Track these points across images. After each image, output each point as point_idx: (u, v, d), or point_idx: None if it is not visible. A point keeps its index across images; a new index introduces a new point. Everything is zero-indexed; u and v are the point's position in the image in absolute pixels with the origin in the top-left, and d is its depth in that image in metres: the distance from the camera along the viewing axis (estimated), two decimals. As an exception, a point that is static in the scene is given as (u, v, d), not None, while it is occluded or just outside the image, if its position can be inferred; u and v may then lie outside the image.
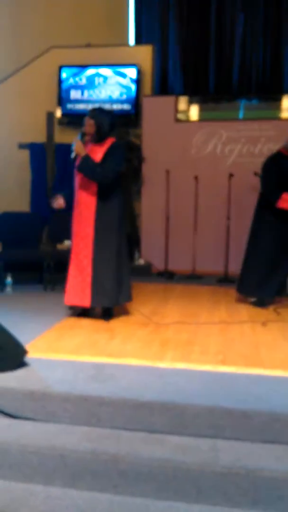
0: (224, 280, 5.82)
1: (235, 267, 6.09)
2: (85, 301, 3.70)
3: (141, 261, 6.41)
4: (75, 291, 3.71)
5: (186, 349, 3.16)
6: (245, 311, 4.31)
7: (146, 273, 6.20)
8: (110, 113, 3.90)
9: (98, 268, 3.66)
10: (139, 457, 2.13)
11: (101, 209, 3.67)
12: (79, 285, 3.69)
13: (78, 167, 3.60)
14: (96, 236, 3.66)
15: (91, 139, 3.67)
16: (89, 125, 3.62)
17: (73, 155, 3.59)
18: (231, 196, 6.00)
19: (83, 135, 3.64)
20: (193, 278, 6.02)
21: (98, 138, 3.66)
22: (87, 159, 3.56)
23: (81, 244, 3.71)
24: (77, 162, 3.61)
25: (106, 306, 3.82)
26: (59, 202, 3.77)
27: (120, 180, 3.82)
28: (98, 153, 3.61)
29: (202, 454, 2.16)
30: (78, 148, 3.56)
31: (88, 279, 3.67)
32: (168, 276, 6.08)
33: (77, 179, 3.72)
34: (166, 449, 2.19)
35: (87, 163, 3.56)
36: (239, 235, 6.24)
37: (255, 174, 5.97)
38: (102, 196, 3.67)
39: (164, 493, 2.09)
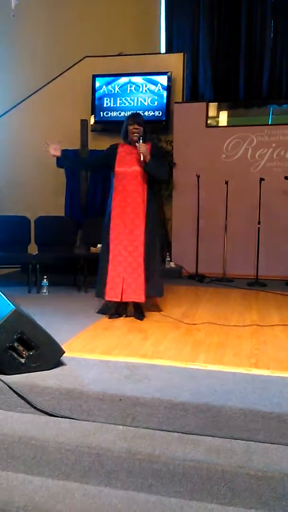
0: (254, 283, 5.79)
1: (266, 270, 6.08)
2: (141, 297, 3.86)
3: (172, 264, 6.44)
4: (130, 289, 3.85)
5: (218, 351, 3.17)
6: (276, 314, 4.29)
7: (177, 276, 6.25)
8: None
9: (151, 264, 3.89)
10: (174, 458, 2.14)
11: (151, 210, 3.91)
12: (133, 282, 3.85)
13: (146, 168, 3.79)
14: (147, 234, 3.85)
15: (138, 139, 3.83)
16: (139, 131, 3.84)
17: (142, 158, 3.75)
18: (261, 200, 5.97)
19: (140, 139, 3.80)
20: (224, 281, 6.01)
21: (143, 140, 3.85)
22: (151, 161, 3.80)
23: (132, 245, 3.86)
24: (142, 165, 3.79)
25: (157, 296, 4.09)
26: (55, 148, 3.93)
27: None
28: None
29: (236, 457, 2.15)
30: (145, 152, 3.76)
31: (142, 276, 3.84)
32: (198, 279, 6.09)
33: (124, 183, 3.86)
34: (200, 450, 2.19)
35: (154, 164, 3.81)
36: (270, 239, 6.22)
37: (286, 178, 5.95)
38: (152, 197, 3.93)
39: (199, 494, 2.09)
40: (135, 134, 3.82)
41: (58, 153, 3.96)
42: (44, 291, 4.99)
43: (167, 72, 6.79)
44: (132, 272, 3.85)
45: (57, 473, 2.22)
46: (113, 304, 4.03)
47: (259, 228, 5.95)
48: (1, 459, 2.28)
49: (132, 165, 3.85)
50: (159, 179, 3.98)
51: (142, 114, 6.46)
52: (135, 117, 3.92)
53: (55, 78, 7.19)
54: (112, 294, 3.88)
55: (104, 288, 3.90)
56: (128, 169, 3.85)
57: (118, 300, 3.90)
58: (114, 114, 6.90)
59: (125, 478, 2.16)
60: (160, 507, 2.04)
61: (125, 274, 3.86)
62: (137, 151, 3.79)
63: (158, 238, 4.00)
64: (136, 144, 3.79)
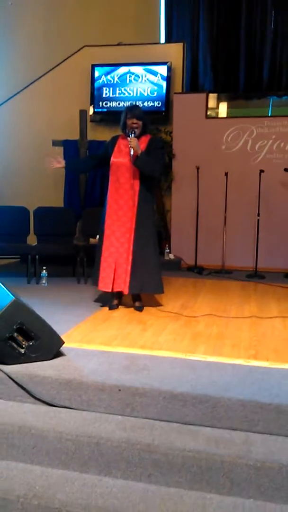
0: (253, 275, 5.80)
1: (265, 262, 6.09)
2: (125, 289, 3.84)
3: (171, 256, 6.45)
4: (120, 279, 3.85)
5: (217, 343, 3.18)
6: (275, 306, 4.30)
7: (176, 268, 6.25)
8: None
9: (138, 258, 3.82)
10: (173, 448, 2.15)
11: (143, 203, 3.85)
12: (123, 273, 3.84)
13: (136, 163, 3.74)
14: (138, 227, 3.82)
15: (131, 133, 3.79)
16: (138, 125, 3.79)
17: (132, 152, 3.72)
18: (261, 192, 5.97)
19: (132, 133, 3.76)
20: (223, 273, 6.02)
21: (142, 133, 3.83)
22: (143, 155, 3.75)
23: (124, 236, 3.85)
24: (132, 160, 3.75)
25: (140, 293, 4.00)
26: (59, 161, 3.99)
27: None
28: (141, 146, 3.80)
29: (235, 447, 2.16)
30: (136, 146, 3.71)
31: (129, 267, 3.80)
32: (197, 271, 6.09)
33: (118, 174, 3.84)
34: (199, 440, 2.21)
35: (144, 159, 3.75)
36: (269, 231, 6.22)
37: (286, 170, 5.94)
38: (144, 190, 3.85)
39: (198, 484, 2.11)
40: (134, 129, 3.78)
41: (63, 164, 4.00)
42: (43, 282, 4.99)
43: (167, 62, 6.74)
44: (122, 263, 3.85)
45: (57, 462, 2.23)
46: (111, 294, 4.03)
47: (258, 220, 5.95)
48: (1, 448, 2.29)
49: (127, 156, 3.82)
50: (148, 174, 3.82)
51: (141, 104, 6.57)
52: (133, 110, 3.85)
53: (54, 68, 7.13)
54: (103, 284, 3.89)
55: (97, 276, 3.92)
56: (123, 160, 3.83)
57: (109, 290, 3.90)
58: (114, 104, 6.86)
59: (124, 468, 2.17)
60: (159, 496, 2.05)
61: (115, 265, 3.87)
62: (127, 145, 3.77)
63: (152, 233, 3.93)
64: (128, 138, 3.77)
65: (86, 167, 4.47)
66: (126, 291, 3.85)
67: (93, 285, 4.09)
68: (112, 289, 3.89)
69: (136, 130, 3.78)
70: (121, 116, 3.91)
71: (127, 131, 3.85)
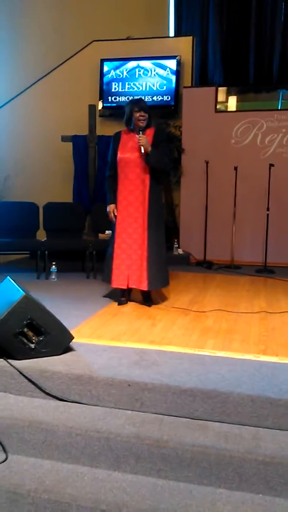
0: (263, 270, 5.78)
1: (274, 257, 6.06)
2: (143, 285, 3.83)
3: (180, 251, 6.44)
4: (135, 276, 3.85)
5: (227, 338, 3.18)
6: (285, 301, 4.28)
7: (185, 262, 6.24)
8: None
9: (152, 253, 3.81)
10: (182, 443, 2.16)
11: (153, 198, 3.83)
12: (138, 269, 3.84)
13: (147, 160, 3.71)
14: (150, 222, 3.81)
15: (139, 130, 3.76)
16: (145, 118, 3.76)
17: (142, 150, 3.69)
18: (271, 187, 5.93)
19: (141, 131, 3.73)
20: (232, 268, 6.00)
21: (145, 128, 3.80)
22: (153, 152, 3.72)
23: (136, 232, 3.84)
24: (143, 157, 3.72)
25: (158, 288, 4.03)
26: (114, 212, 3.92)
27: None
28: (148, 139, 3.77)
29: (244, 442, 2.17)
30: (146, 144, 3.69)
31: (145, 263, 3.80)
32: (206, 265, 6.08)
33: (126, 170, 3.82)
34: (208, 435, 2.21)
35: (155, 156, 3.72)
36: (279, 225, 6.19)
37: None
38: (154, 185, 3.83)
39: (207, 479, 2.12)
40: (141, 122, 3.74)
41: (115, 208, 3.92)
42: (53, 277, 5.01)
43: (176, 56, 6.70)
44: (137, 259, 3.85)
45: (67, 457, 2.25)
46: (121, 289, 4.04)
47: (268, 214, 5.91)
48: (12, 443, 2.31)
49: (134, 152, 3.78)
50: (160, 171, 3.82)
51: (150, 99, 6.54)
52: (140, 103, 3.80)
53: (63, 63, 7.12)
54: (118, 282, 3.90)
55: (110, 274, 3.91)
56: (131, 155, 3.79)
57: (125, 287, 3.91)
58: (123, 99, 6.83)
59: (134, 463, 2.18)
60: (169, 491, 2.07)
61: (129, 261, 3.86)
62: (137, 143, 3.73)
63: (161, 228, 3.93)
64: (136, 136, 3.73)
65: (115, 182, 4.05)
66: (145, 287, 3.83)
67: (104, 282, 4.08)
68: (128, 285, 3.89)
69: (143, 123, 3.74)
70: (125, 109, 3.86)
71: (132, 125, 3.82)
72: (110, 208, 3.92)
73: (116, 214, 3.89)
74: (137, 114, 3.75)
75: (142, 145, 3.68)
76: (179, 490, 2.08)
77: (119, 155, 3.84)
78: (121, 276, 3.88)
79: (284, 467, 2.06)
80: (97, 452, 2.22)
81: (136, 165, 3.79)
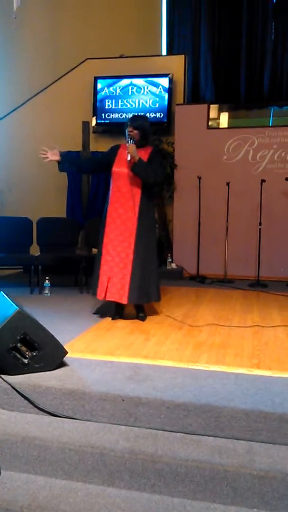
0: (256, 284, 5.81)
1: (267, 271, 6.09)
2: (123, 298, 3.81)
3: (173, 265, 6.46)
4: (115, 288, 3.83)
5: (220, 352, 3.18)
6: (278, 315, 4.30)
7: (178, 277, 6.27)
8: (147, 118, 4.11)
9: (137, 268, 3.80)
10: (176, 458, 2.15)
11: (144, 213, 3.85)
12: (119, 282, 3.82)
13: (133, 169, 3.75)
14: (138, 237, 3.82)
15: (130, 139, 3.81)
16: (134, 133, 3.81)
17: (129, 158, 3.74)
18: (263, 202, 5.99)
19: (131, 140, 3.78)
20: (225, 282, 6.03)
21: (142, 144, 3.85)
22: (141, 161, 3.75)
23: (121, 245, 3.85)
24: (129, 166, 3.76)
25: (141, 303, 3.99)
26: (54, 153, 3.97)
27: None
28: (142, 157, 3.80)
29: (239, 457, 2.16)
30: (133, 152, 3.73)
31: (128, 277, 3.79)
32: (200, 280, 6.10)
33: (119, 183, 3.86)
34: (202, 450, 2.20)
35: (142, 165, 3.75)
36: (271, 240, 6.24)
37: (287, 179, 5.97)
38: (145, 200, 3.86)
39: (201, 494, 2.11)
40: (130, 135, 3.81)
41: (58, 157, 3.97)
42: (46, 292, 5.00)
43: (168, 74, 6.81)
44: (118, 272, 3.84)
45: (60, 473, 2.23)
46: (113, 304, 4.04)
47: (260, 229, 5.96)
48: (4, 458, 2.29)
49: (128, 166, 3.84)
50: (145, 181, 3.80)
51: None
52: (132, 120, 3.89)
53: (56, 80, 7.21)
54: (99, 293, 3.90)
55: (96, 285, 3.92)
56: (124, 170, 3.85)
57: (101, 298, 3.90)
58: (116, 116, 6.93)
59: (128, 478, 2.17)
60: (163, 506, 2.05)
61: (110, 273, 3.86)
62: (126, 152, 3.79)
63: (151, 243, 3.93)
64: (126, 144, 3.79)
65: (80, 165, 4.37)
66: (124, 300, 3.83)
67: (92, 295, 4.09)
68: (105, 297, 3.87)
69: (132, 138, 3.79)
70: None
71: (127, 140, 3.89)
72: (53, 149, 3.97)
73: (49, 155, 3.96)
74: (127, 129, 3.85)
75: (130, 153, 3.73)
76: (174, 505, 2.06)
77: (114, 168, 3.88)
78: (101, 287, 3.87)
79: (278, 481, 2.05)
80: (91, 467, 2.21)
81: (129, 178, 3.83)
